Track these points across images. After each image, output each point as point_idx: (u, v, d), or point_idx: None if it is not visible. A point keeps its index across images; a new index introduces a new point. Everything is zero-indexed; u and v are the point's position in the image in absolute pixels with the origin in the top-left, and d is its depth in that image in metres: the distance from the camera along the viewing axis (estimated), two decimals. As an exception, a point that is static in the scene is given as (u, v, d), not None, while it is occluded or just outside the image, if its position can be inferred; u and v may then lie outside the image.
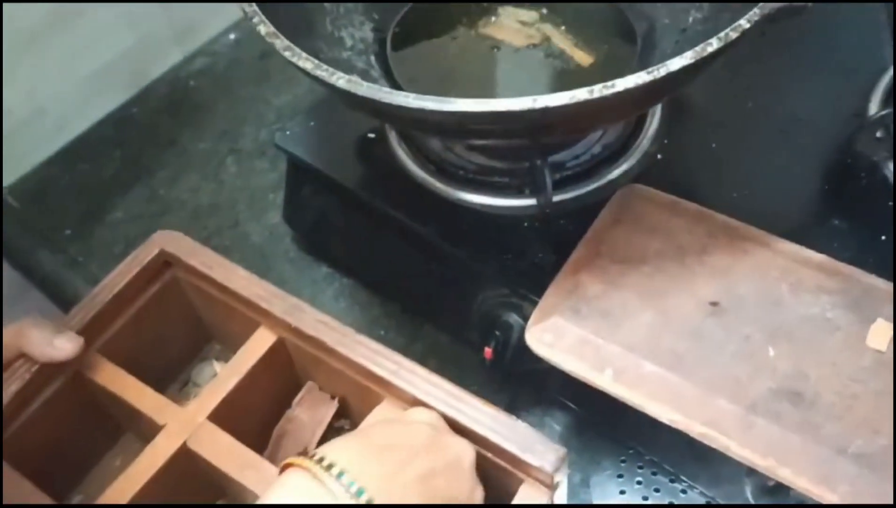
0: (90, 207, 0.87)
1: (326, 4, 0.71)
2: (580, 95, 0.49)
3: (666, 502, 0.62)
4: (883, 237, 0.64)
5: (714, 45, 0.50)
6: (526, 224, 0.67)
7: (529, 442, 0.49)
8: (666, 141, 0.70)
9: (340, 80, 0.52)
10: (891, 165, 0.66)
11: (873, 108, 0.70)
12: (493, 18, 0.74)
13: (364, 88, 0.51)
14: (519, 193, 0.68)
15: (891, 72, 0.70)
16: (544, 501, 0.49)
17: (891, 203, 0.65)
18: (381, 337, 0.73)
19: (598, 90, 0.49)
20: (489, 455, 0.51)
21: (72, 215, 0.87)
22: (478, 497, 0.49)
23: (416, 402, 0.53)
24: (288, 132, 0.74)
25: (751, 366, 0.56)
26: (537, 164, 0.63)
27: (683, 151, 0.70)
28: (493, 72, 0.71)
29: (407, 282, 0.75)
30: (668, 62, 0.49)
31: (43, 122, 0.91)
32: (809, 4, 0.49)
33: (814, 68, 0.76)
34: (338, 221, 0.76)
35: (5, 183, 0.89)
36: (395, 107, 0.50)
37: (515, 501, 0.49)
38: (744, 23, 0.50)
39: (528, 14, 0.73)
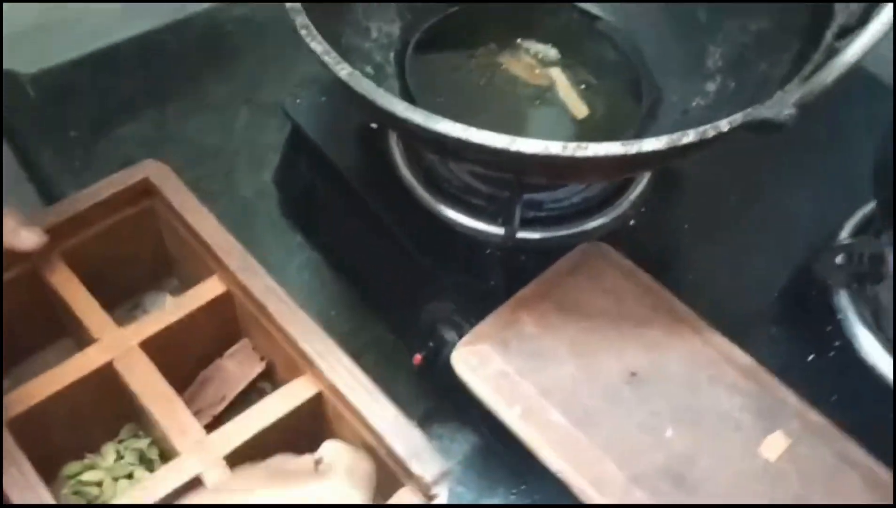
0: (101, 118, 0.90)
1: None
2: (553, 148, 0.51)
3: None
4: (810, 358, 0.66)
5: (690, 136, 0.52)
6: (489, 251, 0.70)
7: (418, 450, 0.52)
8: (643, 209, 0.73)
9: (343, 71, 0.55)
10: (842, 293, 0.69)
11: (845, 232, 0.73)
12: (517, 46, 0.76)
13: (362, 85, 0.54)
14: (492, 219, 0.70)
15: (870, 206, 0.72)
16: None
17: (829, 328, 0.68)
18: (330, 317, 0.76)
19: (571, 148, 0.51)
20: (382, 453, 0.53)
21: (82, 120, 0.90)
22: None
23: (333, 389, 0.55)
24: (298, 101, 0.77)
25: (649, 440, 0.59)
26: (512, 197, 0.66)
27: (656, 224, 0.72)
28: (498, 101, 0.73)
29: (369, 272, 0.78)
30: (642, 141, 0.52)
31: (80, 23, 0.94)
32: (788, 123, 0.52)
33: (805, 178, 0.78)
34: (322, 197, 0.79)
35: (28, 71, 0.92)
36: (385, 112, 0.53)
37: (391, 501, 0.52)
38: (722, 124, 0.53)
39: (547, 53, 0.76)
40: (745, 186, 0.76)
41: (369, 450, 0.54)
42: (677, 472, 0.57)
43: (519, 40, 0.76)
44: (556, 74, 0.74)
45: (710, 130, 0.53)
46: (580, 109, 0.72)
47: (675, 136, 0.52)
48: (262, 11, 1.03)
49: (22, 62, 0.91)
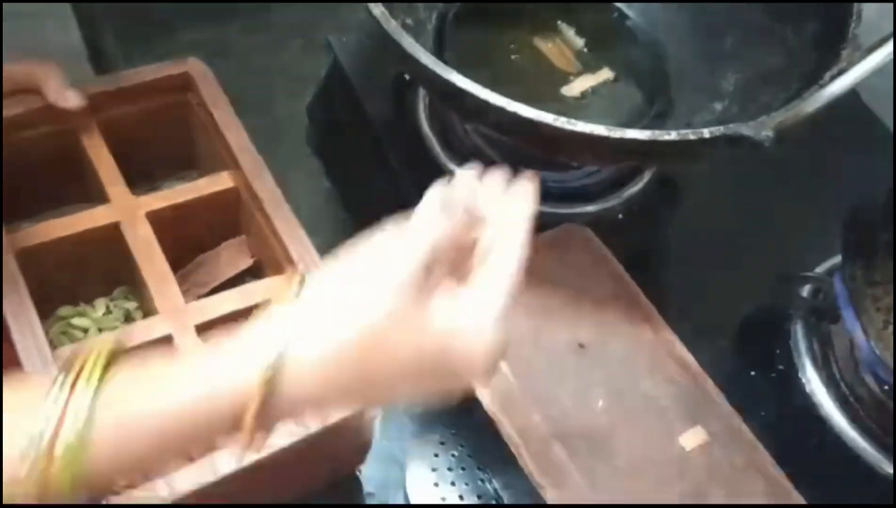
0: (170, 20, 0.96)
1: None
2: (546, 117, 0.57)
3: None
4: (752, 373, 0.71)
5: (672, 135, 0.57)
6: (483, 211, 0.75)
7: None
8: (634, 207, 0.77)
9: (377, 9, 0.60)
10: (799, 323, 0.73)
11: (820, 268, 0.76)
12: (551, 30, 0.81)
13: (390, 25, 0.59)
14: (493, 184, 0.75)
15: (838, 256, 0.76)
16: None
17: (777, 351, 0.72)
18: (332, 244, 0.81)
19: (561, 121, 0.56)
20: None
21: (152, 18, 0.96)
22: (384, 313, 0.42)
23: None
24: (344, 39, 0.82)
25: (579, 405, 0.64)
26: (511, 166, 0.70)
27: (643, 223, 0.77)
28: (521, 76, 0.78)
29: (374, 212, 0.82)
30: (626, 130, 0.57)
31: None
32: (765, 143, 0.56)
33: (794, 211, 0.83)
34: (346, 133, 0.85)
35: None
36: (401, 50, 0.58)
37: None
38: (704, 131, 0.57)
39: (574, 42, 0.81)
40: (736, 207, 0.80)
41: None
42: (597, 439, 0.62)
43: (559, 22, 0.81)
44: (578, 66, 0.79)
45: (690, 134, 0.57)
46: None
47: (657, 132, 0.57)
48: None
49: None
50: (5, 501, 0.38)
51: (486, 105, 0.58)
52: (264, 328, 0.41)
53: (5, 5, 0.89)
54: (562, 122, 0.56)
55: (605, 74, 0.78)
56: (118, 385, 0.39)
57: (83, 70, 0.93)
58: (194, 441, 0.41)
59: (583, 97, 0.77)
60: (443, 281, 0.44)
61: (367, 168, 0.83)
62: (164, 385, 0.40)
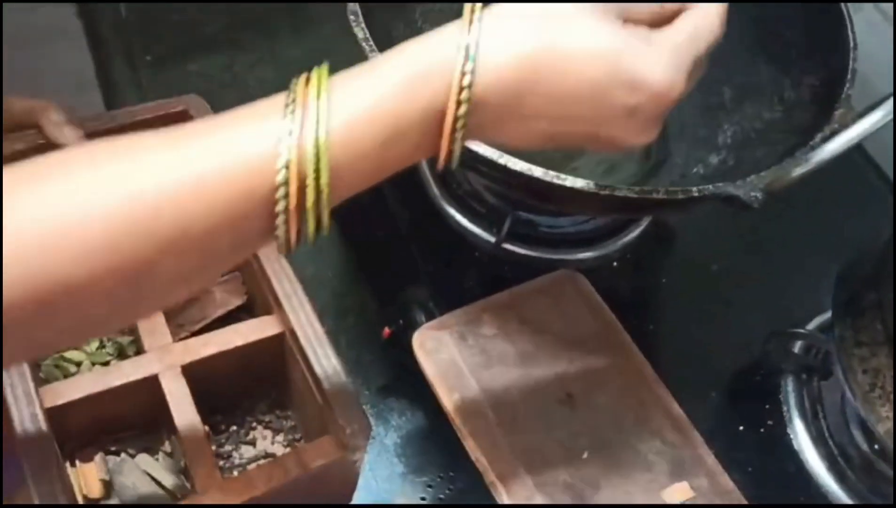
0: (178, 48, 0.97)
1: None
2: (536, 171, 0.57)
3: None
4: (741, 428, 0.70)
5: (660, 194, 0.57)
6: (477, 254, 0.75)
7: (348, 404, 0.57)
8: (629, 255, 0.77)
9: (374, 55, 0.61)
10: (790, 379, 0.73)
11: (812, 324, 0.76)
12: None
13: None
14: (488, 227, 0.76)
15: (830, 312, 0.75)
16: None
17: (767, 406, 0.72)
18: (326, 275, 0.81)
19: (551, 175, 0.57)
20: (318, 399, 0.59)
21: (160, 47, 0.97)
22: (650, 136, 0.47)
23: (292, 332, 0.61)
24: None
25: (564, 456, 0.64)
26: (506, 210, 0.71)
27: (637, 271, 0.77)
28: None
29: (367, 244, 0.83)
30: (617, 188, 0.57)
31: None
32: (754, 204, 0.56)
33: (789, 265, 0.82)
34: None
35: (126, -8, 1.01)
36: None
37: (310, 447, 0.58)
38: (693, 190, 0.57)
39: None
40: (730, 259, 0.80)
41: (309, 394, 0.60)
42: (579, 491, 0.62)
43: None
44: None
45: (679, 193, 0.57)
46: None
47: (646, 189, 0.57)
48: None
49: (121, -17, 1.00)
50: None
51: (474, 155, 0.58)
52: (455, 33, 0.41)
53: (17, 32, 0.91)
54: (551, 176, 0.57)
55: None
56: (340, 89, 0.41)
57: (92, 97, 0.94)
58: (412, 137, 0.42)
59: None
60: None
61: (361, 199, 0.83)
62: (381, 84, 0.41)
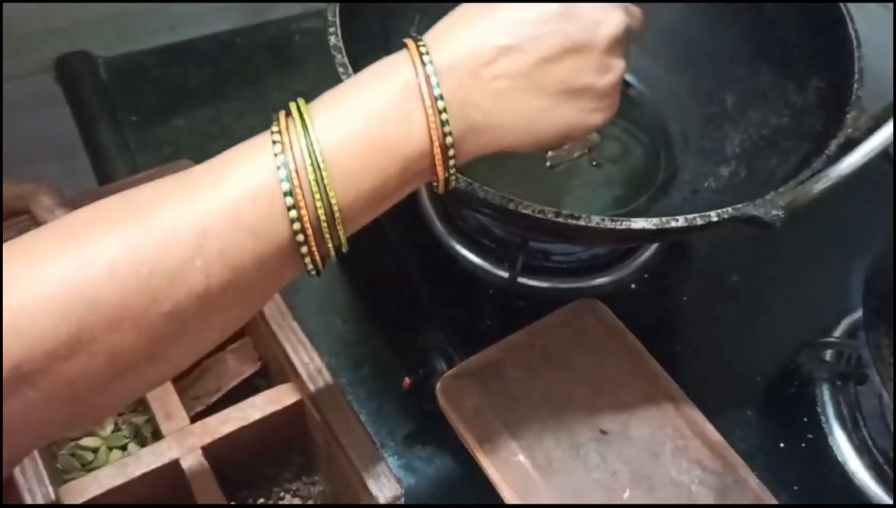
0: (162, 106, 0.96)
1: (417, 18, 0.78)
2: (549, 212, 0.55)
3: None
4: (781, 445, 0.68)
5: (679, 222, 0.55)
6: (491, 291, 0.73)
7: (378, 471, 0.55)
8: (646, 275, 0.75)
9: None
10: (825, 389, 0.71)
11: (839, 330, 0.74)
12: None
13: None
14: (499, 262, 0.74)
15: (858, 313, 0.74)
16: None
17: (805, 419, 0.70)
18: (338, 325, 0.79)
19: (563, 215, 0.55)
20: (345, 465, 0.57)
21: (144, 106, 0.95)
22: (610, 78, 0.46)
23: (312, 399, 0.59)
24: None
25: (603, 497, 0.61)
26: (517, 242, 0.69)
27: (656, 291, 0.75)
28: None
29: (379, 291, 0.81)
30: (632, 220, 0.55)
31: (162, 14, 1.00)
32: (775, 223, 0.54)
33: (810, 271, 0.80)
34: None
35: (106, 55, 0.98)
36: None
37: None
38: (712, 215, 0.55)
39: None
40: (750, 270, 0.78)
41: (336, 460, 0.58)
42: (625, 532, 0.60)
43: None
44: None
45: (698, 219, 0.55)
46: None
47: (664, 219, 0.55)
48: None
49: (99, 45, 0.97)
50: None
51: (485, 202, 0.56)
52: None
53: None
54: (564, 217, 0.55)
55: (611, 146, 0.77)
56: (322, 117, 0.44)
57: (80, 162, 0.92)
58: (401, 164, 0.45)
59: (596, 165, 0.76)
60: None
61: (370, 245, 0.81)
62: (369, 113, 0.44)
